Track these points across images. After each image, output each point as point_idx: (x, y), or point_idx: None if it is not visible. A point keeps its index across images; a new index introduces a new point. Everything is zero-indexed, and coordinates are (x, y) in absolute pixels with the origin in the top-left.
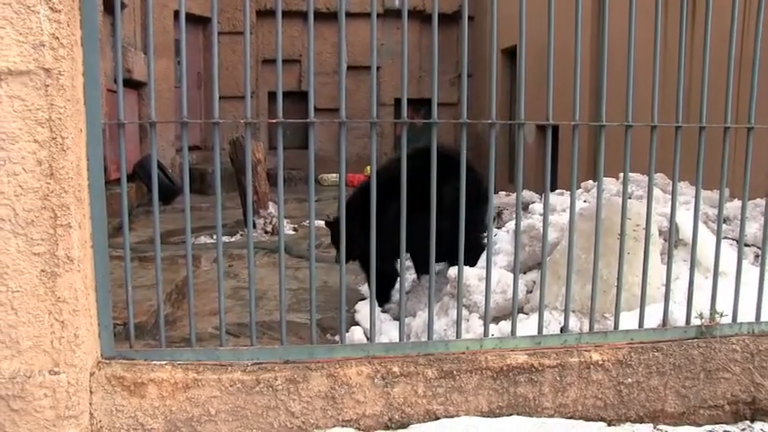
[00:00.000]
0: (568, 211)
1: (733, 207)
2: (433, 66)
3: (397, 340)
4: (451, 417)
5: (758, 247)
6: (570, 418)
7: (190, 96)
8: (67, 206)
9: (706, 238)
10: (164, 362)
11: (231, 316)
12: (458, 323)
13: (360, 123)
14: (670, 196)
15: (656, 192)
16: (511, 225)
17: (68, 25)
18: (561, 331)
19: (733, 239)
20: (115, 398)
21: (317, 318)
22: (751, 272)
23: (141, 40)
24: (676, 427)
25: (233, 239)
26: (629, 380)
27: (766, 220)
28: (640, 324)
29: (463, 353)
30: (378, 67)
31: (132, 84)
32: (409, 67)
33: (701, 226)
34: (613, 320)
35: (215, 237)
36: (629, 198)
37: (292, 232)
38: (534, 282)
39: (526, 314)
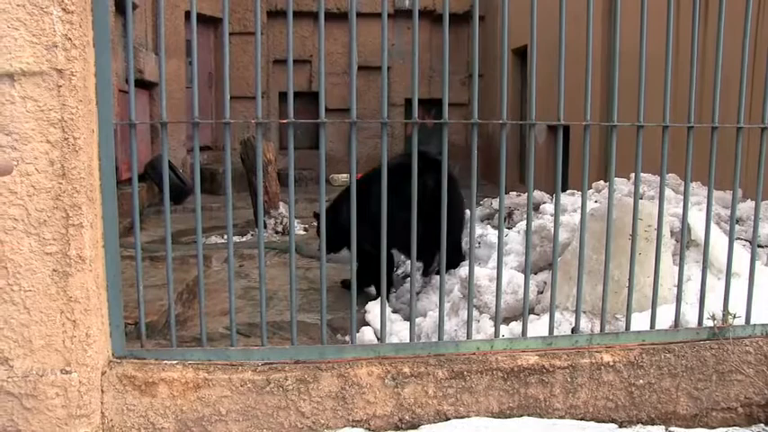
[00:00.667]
0: (579, 211)
1: (746, 208)
2: (443, 66)
3: (408, 340)
4: (462, 417)
5: None
6: (581, 419)
7: (201, 97)
8: (79, 206)
9: (718, 239)
10: (174, 361)
11: (242, 316)
12: (468, 324)
13: (370, 124)
14: (682, 197)
15: (668, 192)
16: (522, 225)
17: (81, 26)
18: (572, 332)
19: (746, 240)
20: (126, 397)
21: (328, 318)
22: (764, 273)
23: (152, 40)
24: (688, 430)
25: (244, 239)
26: (641, 381)
27: None
28: (652, 325)
29: (474, 353)
30: (388, 68)
31: (143, 84)
32: (420, 68)
33: (713, 227)
34: (625, 321)
35: (226, 237)
36: (641, 198)
37: (303, 232)
38: (545, 282)
39: (537, 315)
